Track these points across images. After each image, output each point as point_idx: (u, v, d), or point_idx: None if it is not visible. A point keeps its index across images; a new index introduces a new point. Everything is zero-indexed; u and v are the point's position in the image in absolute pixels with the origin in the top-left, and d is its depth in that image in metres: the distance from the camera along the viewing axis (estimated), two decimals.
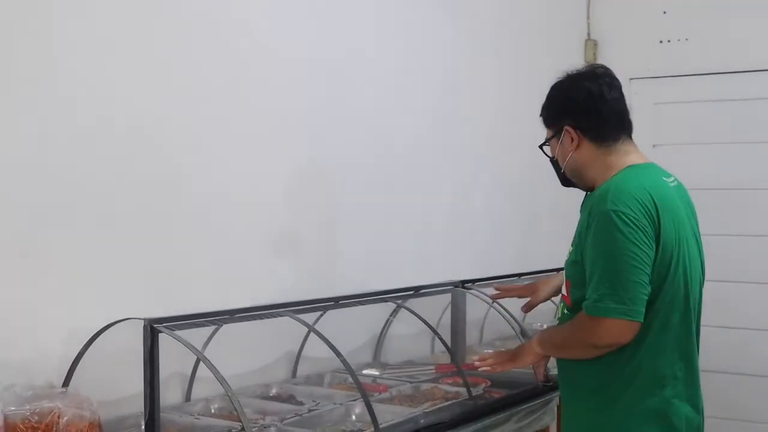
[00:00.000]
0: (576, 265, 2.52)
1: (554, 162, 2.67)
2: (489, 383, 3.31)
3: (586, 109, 2.55)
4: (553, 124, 2.63)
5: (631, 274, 2.33)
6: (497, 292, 3.14)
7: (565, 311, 2.62)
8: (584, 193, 2.71)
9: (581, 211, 2.64)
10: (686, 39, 5.21)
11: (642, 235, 2.36)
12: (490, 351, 3.08)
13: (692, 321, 2.53)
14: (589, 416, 2.55)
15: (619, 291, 2.32)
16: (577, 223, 2.60)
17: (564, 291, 2.63)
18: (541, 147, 2.69)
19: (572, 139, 2.56)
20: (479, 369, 2.81)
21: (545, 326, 4.41)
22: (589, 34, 5.46)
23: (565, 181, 2.71)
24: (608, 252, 2.37)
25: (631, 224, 2.35)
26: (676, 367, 2.49)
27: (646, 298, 2.36)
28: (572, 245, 2.59)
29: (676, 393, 2.49)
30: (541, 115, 2.68)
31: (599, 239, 2.39)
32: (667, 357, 2.46)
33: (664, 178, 2.58)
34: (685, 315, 2.50)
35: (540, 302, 3.03)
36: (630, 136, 2.61)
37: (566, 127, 2.57)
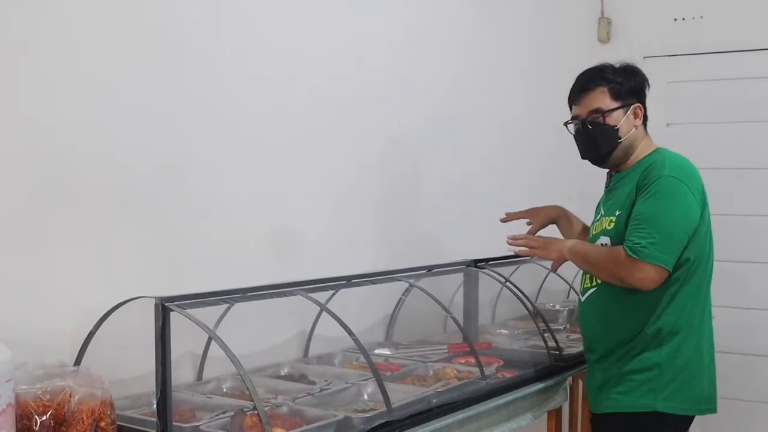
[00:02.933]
0: (620, 236, 2.80)
1: (611, 130, 2.87)
2: (501, 363, 3.30)
3: (646, 96, 2.95)
4: (624, 99, 2.90)
5: (677, 232, 2.71)
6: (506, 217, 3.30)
7: (589, 281, 2.96)
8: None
9: (614, 188, 2.94)
10: (701, 17, 5.15)
11: (692, 202, 2.74)
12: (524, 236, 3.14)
13: (709, 287, 2.92)
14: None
15: (664, 244, 2.67)
16: (602, 199, 2.98)
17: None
18: (603, 113, 2.88)
19: (637, 117, 2.90)
20: (511, 248, 3.05)
21: (561, 306, 4.42)
22: (602, 13, 5.40)
23: (602, 155, 2.91)
24: (664, 208, 2.71)
25: (686, 191, 2.73)
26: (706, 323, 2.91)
27: (678, 256, 2.73)
28: (613, 215, 2.86)
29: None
30: (609, 83, 2.89)
31: (659, 197, 2.72)
32: (696, 313, 2.85)
33: None
34: (709, 281, 2.89)
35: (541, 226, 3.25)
36: None
37: (638, 106, 2.90)
